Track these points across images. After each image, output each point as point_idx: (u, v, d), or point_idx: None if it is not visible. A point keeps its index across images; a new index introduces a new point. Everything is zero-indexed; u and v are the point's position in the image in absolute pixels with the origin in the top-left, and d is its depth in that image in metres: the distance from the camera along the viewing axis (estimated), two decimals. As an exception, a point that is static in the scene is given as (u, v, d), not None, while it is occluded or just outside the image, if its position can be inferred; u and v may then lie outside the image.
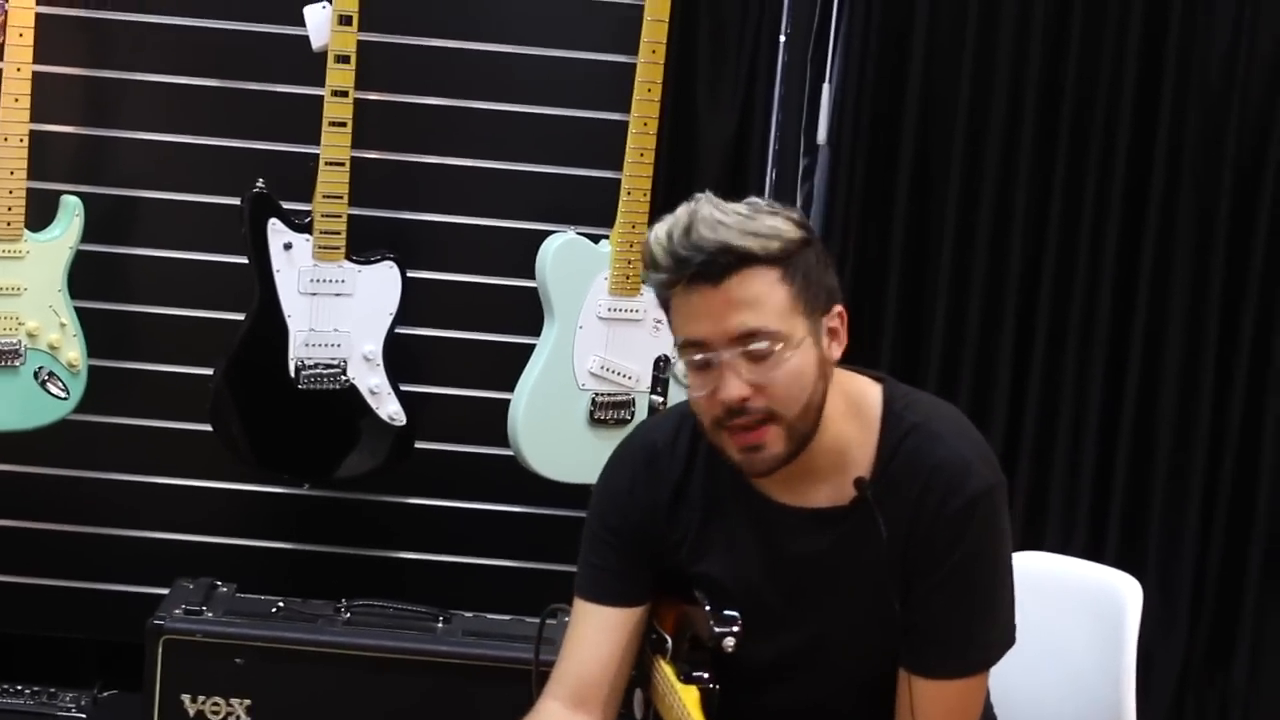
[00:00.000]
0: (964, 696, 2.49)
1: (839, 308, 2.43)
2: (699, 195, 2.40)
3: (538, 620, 2.90)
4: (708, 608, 2.52)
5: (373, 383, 3.80)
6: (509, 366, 3.85)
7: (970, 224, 4.23)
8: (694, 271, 2.34)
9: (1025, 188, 4.22)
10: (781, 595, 2.51)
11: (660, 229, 2.39)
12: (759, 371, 2.34)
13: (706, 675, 2.53)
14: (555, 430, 3.79)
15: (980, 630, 2.48)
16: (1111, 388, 4.31)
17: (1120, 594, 2.90)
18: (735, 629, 2.50)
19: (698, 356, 2.38)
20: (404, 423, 3.84)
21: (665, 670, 2.57)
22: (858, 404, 2.49)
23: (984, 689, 2.55)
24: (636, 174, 3.77)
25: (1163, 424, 4.32)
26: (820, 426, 2.43)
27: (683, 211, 2.38)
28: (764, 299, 2.34)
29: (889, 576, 2.43)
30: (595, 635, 2.58)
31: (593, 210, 3.88)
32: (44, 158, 3.83)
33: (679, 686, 2.52)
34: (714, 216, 2.35)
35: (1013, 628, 2.54)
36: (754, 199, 2.43)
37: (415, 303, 3.86)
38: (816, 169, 4.22)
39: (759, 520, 2.51)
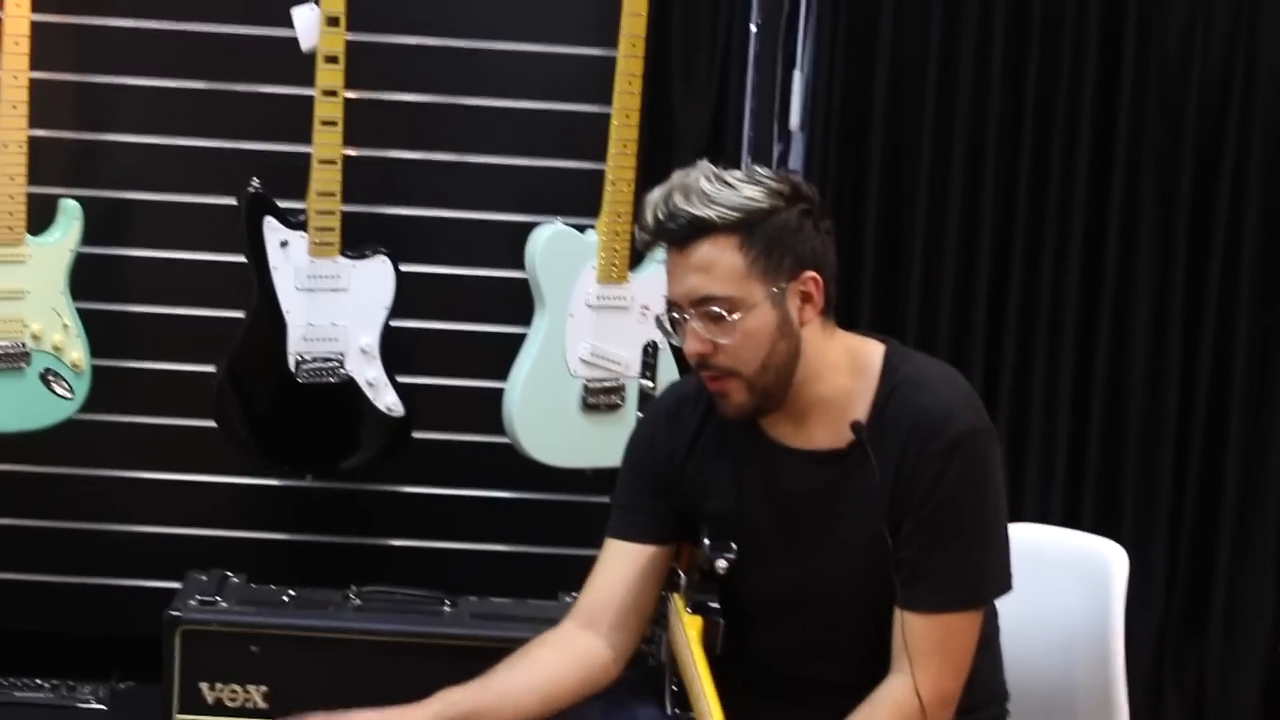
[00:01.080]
0: (952, 631, 2.65)
1: (811, 272, 2.60)
2: (699, 162, 2.62)
3: (540, 602, 3.07)
4: (706, 539, 2.71)
5: (370, 375, 3.87)
6: (501, 355, 3.92)
7: (941, 203, 4.33)
8: (666, 237, 2.59)
9: (993, 168, 4.32)
10: (781, 530, 2.71)
11: (655, 192, 2.62)
12: (715, 331, 2.58)
13: (712, 606, 2.71)
14: (549, 417, 3.86)
15: (966, 568, 2.65)
16: (1082, 363, 4.41)
17: (1107, 561, 3.02)
18: (729, 554, 2.70)
19: (673, 314, 2.62)
20: (401, 413, 3.90)
21: (676, 602, 2.77)
22: (860, 360, 2.69)
23: (974, 627, 2.69)
24: (620, 164, 3.85)
25: (1133, 398, 4.42)
26: (816, 378, 2.65)
27: (676, 177, 2.61)
28: (718, 264, 2.57)
29: (881, 514, 2.60)
30: (610, 567, 2.82)
31: (577, 201, 3.95)
32: (42, 162, 3.85)
33: (685, 617, 2.72)
34: (692, 185, 2.58)
35: (1006, 573, 2.71)
36: (756, 166, 2.65)
37: (409, 296, 3.91)
38: (790, 154, 4.31)
39: (763, 459, 2.72)
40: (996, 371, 4.40)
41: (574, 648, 2.79)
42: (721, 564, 2.71)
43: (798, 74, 4.27)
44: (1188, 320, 4.41)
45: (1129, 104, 4.29)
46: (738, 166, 4.18)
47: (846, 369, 2.68)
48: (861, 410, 2.66)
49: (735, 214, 2.55)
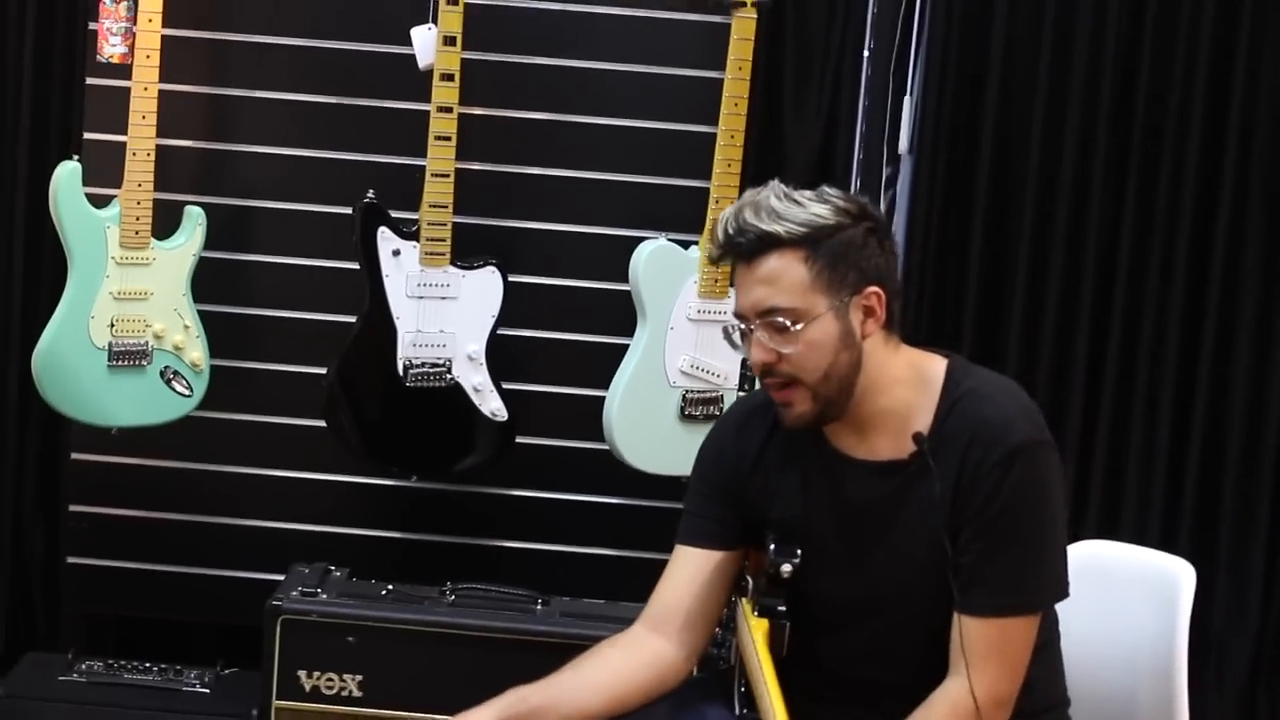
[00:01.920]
0: (1008, 636, 2.71)
1: (874, 287, 2.69)
2: (770, 181, 2.72)
3: (632, 604, 3.14)
4: (771, 544, 2.79)
5: (476, 381, 3.96)
6: (604, 365, 3.99)
7: (1047, 227, 4.37)
8: (734, 250, 2.69)
9: (1099, 190, 4.35)
10: (845, 538, 2.78)
11: (729, 209, 2.72)
12: (779, 341, 2.67)
13: (779, 609, 2.78)
14: (648, 425, 3.93)
15: (1023, 575, 2.71)
16: (1183, 383, 4.43)
17: (1176, 577, 3.06)
18: (794, 559, 2.77)
19: (740, 325, 2.71)
20: (505, 418, 3.99)
21: (744, 606, 2.85)
22: (923, 374, 2.77)
23: (1030, 632, 2.74)
24: (724, 183, 3.92)
25: (1234, 416, 4.43)
26: (880, 391, 2.73)
27: (748, 194, 2.71)
28: (783, 277, 2.66)
29: (941, 522, 2.67)
30: (679, 572, 2.89)
31: (682, 217, 4.01)
32: (169, 171, 3.97)
33: (752, 620, 2.80)
34: (762, 202, 2.68)
35: (1063, 580, 2.77)
36: (825, 187, 2.73)
37: (516, 305, 4.00)
38: (899, 178, 4.37)
39: (828, 470, 2.80)
40: (1097, 391, 4.44)
41: (641, 649, 2.88)
42: (786, 568, 2.78)
43: (908, 99, 4.32)
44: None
45: (1239, 118, 4.31)
46: (847, 189, 4.29)
47: (909, 382, 2.76)
48: (924, 422, 2.74)
49: (802, 229, 2.65)
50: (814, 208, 2.68)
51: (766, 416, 2.89)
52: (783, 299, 2.66)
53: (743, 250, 2.68)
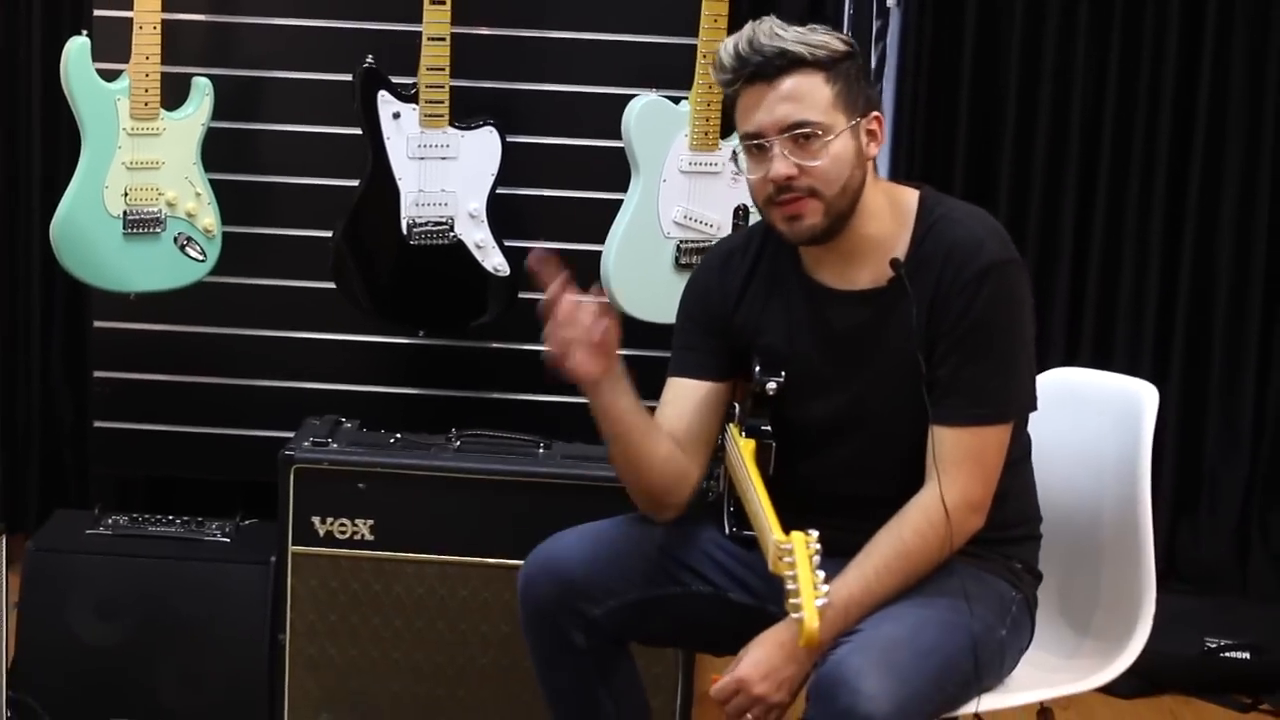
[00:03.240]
0: (980, 444, 2.85)
1: (876, 113, 2.87)
2: (765, 16, 2.86)
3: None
4: (757, 365, 2.93)
5: (478, 237, 4.04)
6: (600, 220, 4.05)
7: (1033, 70, 4.49)
8: (752, 70, 2.80)
9: (1086, 19, 4.46)
10: (828, 362, 2.92)
11: (729, 39, 2.86)
12: (803, 155, 2.80)
13: (764, 429, 2.92)
14: (644, 275, 3.99)
15: (994, 385, 2.84)
16: (1172, 215, 4.56)
17: (1139, 397, 3.16)
18: (778, 378, 2.92)
19: (754, 144, 2.82)
20: (508, 273, 4.07)
21: (731, 430, 2.99)
22: (898, 204, 2.92)
23: (1002, 441, 2.87)
24: (712, 38, 3.92)
25: (1223, 250, 4.56)
26: (862, 220, 2.87)
27: (749, 27, 2.84)
28: (809, 95, 2.80)
29: (918, 341, 2.80)
30: (674, 403, 3.04)
31: (672, 73, 4.05)
32: (176, 44, 4.03)
33: (740, 441, 2.93)
34: (774, 29, 2.81)
35: (1031, 393, 2.92)
36: (814, 25, 2.87)
37: (514, 165, 4.07)
38: (888, 30, 4.44)
39: (811, 300, 2.93)
40: (1087, 230, 4.58)
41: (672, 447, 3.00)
42: (772, 386, 2.93)
43: (896, -49, 4.41)
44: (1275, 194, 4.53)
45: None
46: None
47: (887, 212, 2.91)
48: (900, 249, 2.88)
49: (823, 52, 2.81)
50: (824, 36, 2.84)
51: (747, 254, 3.03)
52: (810, 113, 2.81)
53: (764, 70, 2.81)
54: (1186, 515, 4.67)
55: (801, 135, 2.80)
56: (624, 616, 2.97)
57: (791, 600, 2.51)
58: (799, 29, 2.84)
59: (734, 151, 2.94)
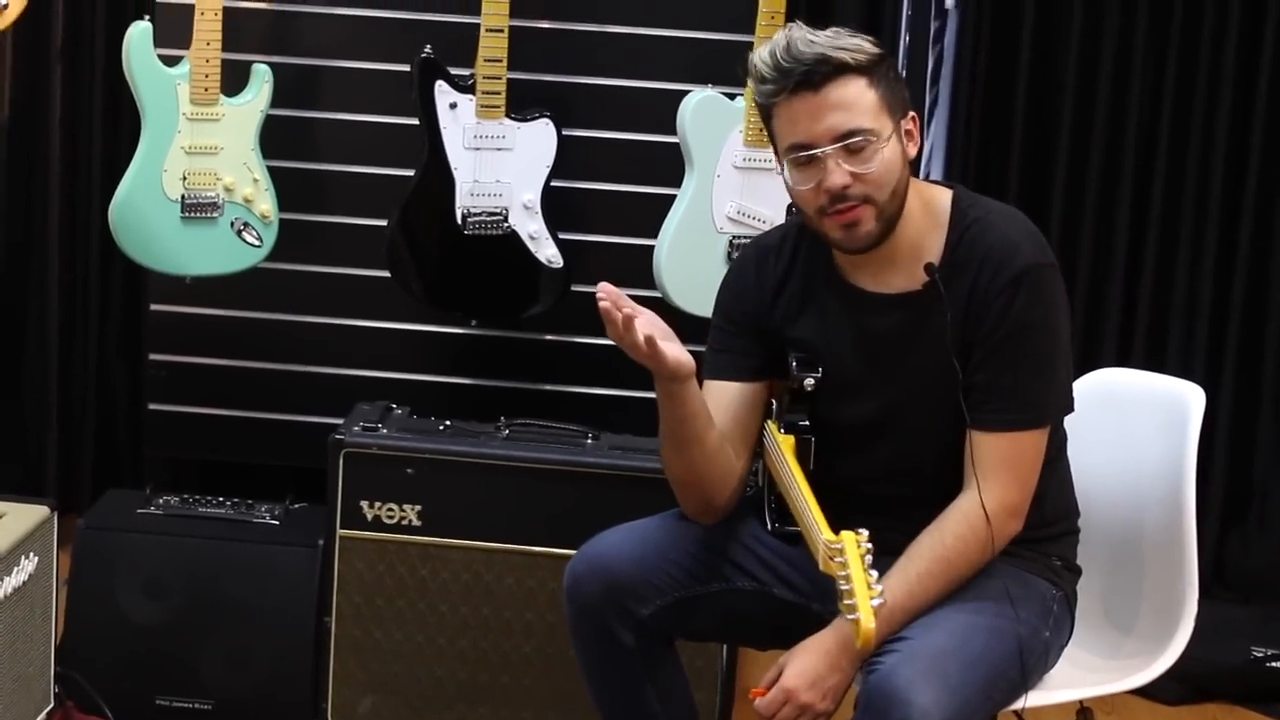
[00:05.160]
0: (1018, 448, 2.85)
1: (913, 113, 2.85)
2: (790, 24, 2.83)
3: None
4: (793, 361, 2.94)
5: (532, 229, 4.05)
6: (653, 215, 4.06)
7: (1091, 75, 4.47)
8: (797, 80, 2.76)
9: (1144, 35, 4.46)
10: (862, 365, 2.92)
11: (762, 50, 2.84)
12: (856, 163, 2.78)
13: (802, 424, 2.93)
14: (696, 270, 3.99)
15: (1031, 390, 2.84)
16: (1227, 223, 4.53)
17: (1185, 399, 3.16)
18: (815, 374, 2.92)
19: (803, 155, 2.79)
20: (561, 265, 4.08)
21: (771, 428, 2.99)
22: (931, 206, 2.90)
23: (1040, 445, 2.87)
24: (768, 35, 3.92)
25: (1276, 265, 4.54)
26: (899, 223, 2.83)
27: (779, 35, 2.82)
28: (857, 102, 2.78)
29: (953, 346, 2.79)
30: (718, 407, 2.99)
31: (728, 70, 3.85)
32: (237, 32, 4.06)
33: (779, 437, 2.94)
34: (807, 36, 2.78)
35: (1069, 395, 2.91)
36: (836, 28, 2.84)
37: (569, 158, 4.09)
38: (946, 32, 4.43)
39: (846, 303, 2.93)
40: (1141, 241, 4.54)
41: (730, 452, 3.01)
42: (809, 382, 2.94)
43: (955, -46, 4.41)
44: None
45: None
46: (895, 43, 4.37)
47: (920, 214, 2.90)
48: (934, 252, 2.88)
49: (862, 55, 2.79)
50: (856, 39, 2.83)
51: (782, 255, 3.03)
52: (860, 120, 2.79)
53: (809, 78, 2.77)
54: (1236, 524, 4.65)
55: (854, 144, 2.79)
56: (671, 615, 2.98)
57: (846, 601, 2.49)
58: (826, 33, 2.82)
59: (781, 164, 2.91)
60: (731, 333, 3.06)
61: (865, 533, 2.55)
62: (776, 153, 2.91)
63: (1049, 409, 2.90)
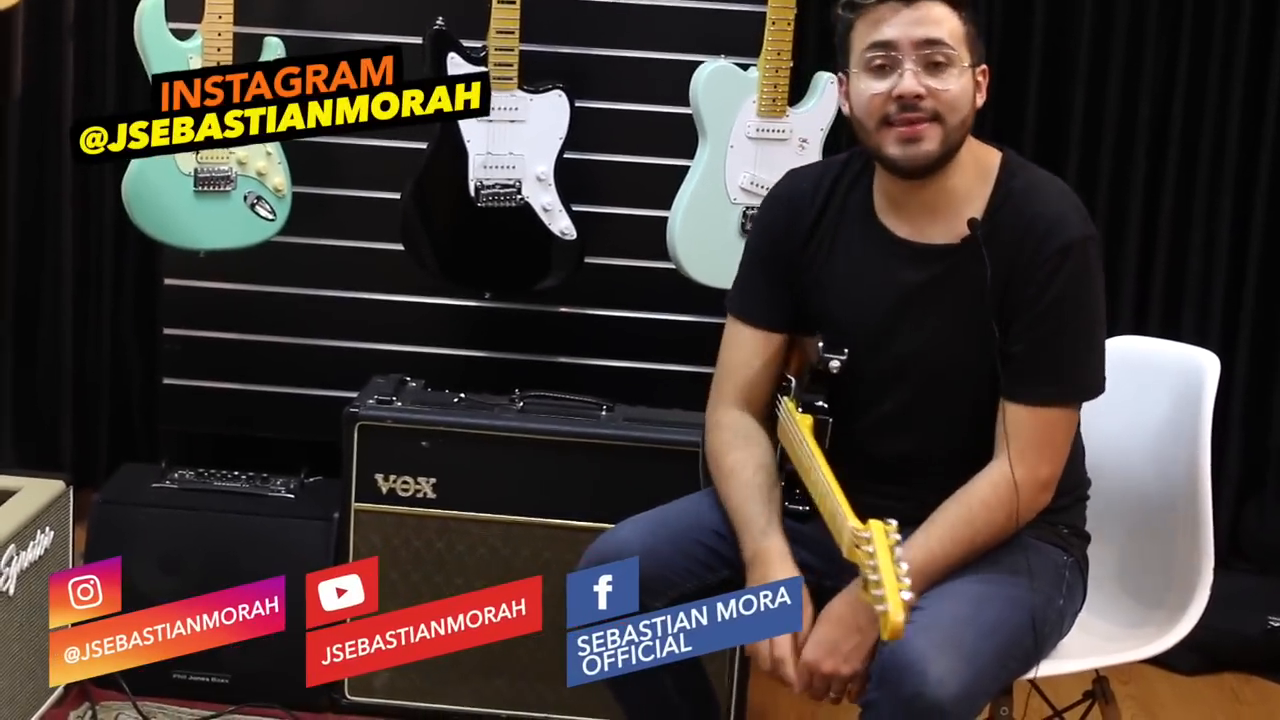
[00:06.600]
0: (1051, 425, 2.84)
1: (984, 67, 2.85)
2: None
3: (690, 413, 3.30)
4: (821, 341, 2.91)
5: (545, 201, 4.05)
6: (667, 186, 4.06)
7: (1103, 51, 4.48)
8: None
9: (1155, 24, 4.46)
10: (890, 312, 2.90)
11: None
12: (934, 78, 2.79)
13: (820, 405, 2.91)
14: (709, 241, 4.00)
15: (1069, 366, 2.84)
16: (1242, 201, 4.52)
17: (1200, 366, 3.15)
18: (842, 356, 2.90)
19: (881, 56, 2.80)
20: (574, 237, 4.07)
21: (788, 405, 2.97)
22: (981, 161, 2.90)
23: (1072, 422, 2.88)
24: (781, 5, 3.96)
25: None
26: (950, 169, 2.84)
27: None
28: (946, 22, 2.81)
29: (991, 309, 2.78)
30: (748, 352, 3.04)
31: (741, 40, 4.06)
32: (249, 4, 4.06)
33: (797, 416, 2.91)
34: None
35: (1101, 376, 2.89)
36: None
37: (582, 130, 4.07)
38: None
39: (879, 249, 2.92)
40: (1156, 200, 4.55)
41: (752, 435, 3.03)
42: (835, 364, 2.91)
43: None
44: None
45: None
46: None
47: (969, 167, 2.89)
48: (977, 209, 2.86)
49: None
50: None
51: (817, 194, 3.01)
52: (949, 38, 2.80)
53: None
54: (1253, 494, 4.64)
55: (936, 56, 2.79)
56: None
57: (874, 591, 2.45)
58: None
59: (837, 77, 2.93)
60: (760, 274, 3.06)
61: (894, 523, 2.51)
62: (843, 71, 2.90)
63: (1085, 387, 2.90)
